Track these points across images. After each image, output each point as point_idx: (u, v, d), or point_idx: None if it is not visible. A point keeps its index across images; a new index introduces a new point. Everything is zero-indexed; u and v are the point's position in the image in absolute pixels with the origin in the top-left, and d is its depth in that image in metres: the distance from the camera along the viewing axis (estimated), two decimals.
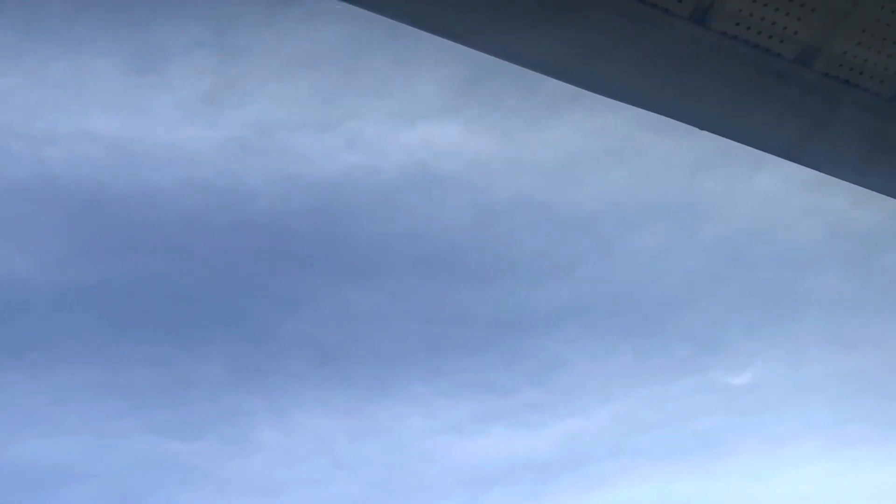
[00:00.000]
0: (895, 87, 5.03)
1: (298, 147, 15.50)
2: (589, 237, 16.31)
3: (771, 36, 4.71)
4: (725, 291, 16.35)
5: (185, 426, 16.48)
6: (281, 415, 16.73)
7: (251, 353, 16.70)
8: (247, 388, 16.62)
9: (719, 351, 16.71)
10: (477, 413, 16.95)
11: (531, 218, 16.13)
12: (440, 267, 16.74)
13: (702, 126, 5.24)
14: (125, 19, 14.35)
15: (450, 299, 16.85)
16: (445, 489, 16.88)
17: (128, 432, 16.32)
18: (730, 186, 15.18)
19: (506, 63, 4.89)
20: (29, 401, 16.14)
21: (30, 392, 16.10)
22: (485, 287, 16.87)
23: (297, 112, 15.22)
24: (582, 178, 15.73)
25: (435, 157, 15.50)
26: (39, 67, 14.57)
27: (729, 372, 16.61)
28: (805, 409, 16.32)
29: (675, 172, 15.29)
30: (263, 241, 16.30)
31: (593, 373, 16.77)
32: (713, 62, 4.79)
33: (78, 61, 14.55)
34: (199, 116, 15.12)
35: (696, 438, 16.63)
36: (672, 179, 15.38)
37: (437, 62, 14.32)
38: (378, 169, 15.59)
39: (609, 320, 16.77)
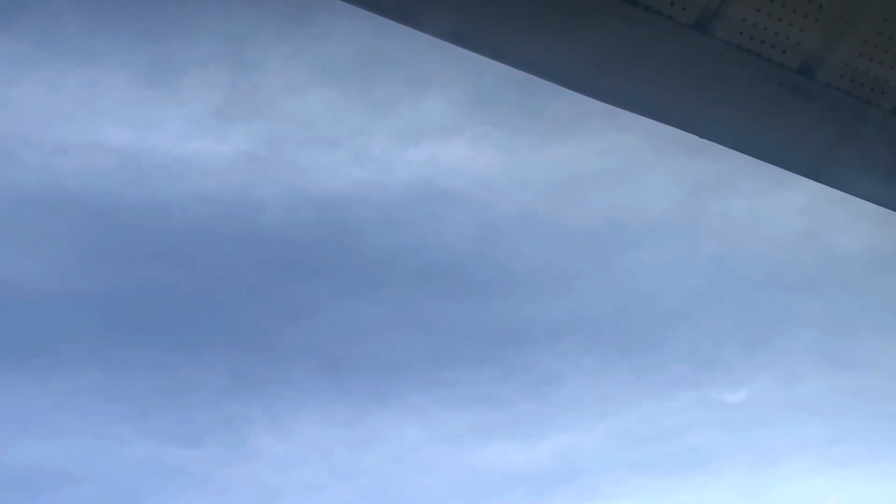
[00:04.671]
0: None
1: (307, 161, 15.65)
2: (589, 254, 16.45)
3: (774, 45, 4.81)
4: (723, 310, 16.48)
5: (185, 432, 16.57)
6: (280, 422, 16.82)
7: (252, 361, 16.80)
8: (247, 395, 16.72)
9: (716, 368, 16.82)
10: (474, 425, 17.05)
11: (533, 235, 16.26)
12: (442, 280, 16.87)
13: (701, 134, 5.27)
14: (140, 33, 14.51)
15: (450, 312, 16.97)
16: (441, 499, 16.97)
17: (128, 437, 16.41)
18: (729, 207, 15.32)
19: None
20: (32, 404, 16.24)
21: (33, 395, 16.21)
22: (485, 301, 16.99)
23: (306, 127, 15.39)
24: (584, 196, 15.88)
25: (440, 173, 15.66)
26: (54, 78, 14.73)
27: (725, 389, 16.72)
28: (799, 426, 16.42)
29: (675, 193, 15.43)
30: (269, 253, 16.43)
31: (590, 387, 16.87)
32: (715, 69, 4.86)
33: (92, 73, 14.70)
34: (210, 130, 15.28)
35: (691, 453, 16.72)
36: (672, 200, 15.53)
37: (446, 82, 14.49)
38: (384, 184, 15.75)
39: (607, 336, 16.88)
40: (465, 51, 4.82)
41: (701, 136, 5.31)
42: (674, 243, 16.05)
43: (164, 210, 15.79)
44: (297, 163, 15.66)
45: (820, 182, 5.61)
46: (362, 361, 16.90)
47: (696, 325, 16.69)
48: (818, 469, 16.44)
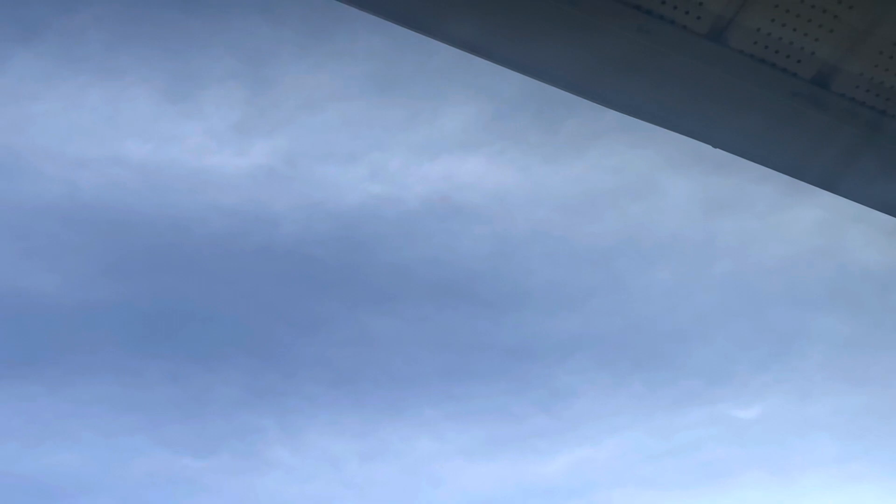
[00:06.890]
0: None
1: (323, 176, 15.73)
2: (603, 271, 16.46)
3: (788, 55, 4.78)
4: (736, 327, 16.45)
5: (198, 442, 16.61)
6: (293, 433, 16.85)
7: (266, 373, 16.85)
8: (260, 406, 16.76)
9: (728, 385, 16.79)
10: (486, 438, 17.04)
11: (547, 251, 16.29)
12: (456, 295, 16.89)
13: (714, 144, 5.27)
14: (161, 49, 14.63)
15: (464, 326, 16.99)
16: None
17: (142, 446, 16.45)
18: (743, 225, 15.31)
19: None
20: (47, 412, 16.30)
21: (48, 404, 16.27)
22: (499, 316, 17.01)
23: (323, 143, 15.46)
24: (599, 213, 15.91)
25: (456, 189, 15.71)
26: (75, 93, 14.84)
27: (737, 405, 16.68)
28: (813, 442, 16.36)
29: (689, 209, 15.44)
30: (285, 266, 16.50)
31: (602, 402, 16.85)
32: (728, 79, 4.83)
33: (113, 88, 14.82)
34: (229, 144, 15.38)
35: (704, 468, 16.68)
36: (687, 217, 15.53)
37: (462, 99, 14.56)
38: (400, 199, 15.81)
39: (620, 352, 16.88)
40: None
41: (714, 146, 5.30)
42: (688, 260, 16.04)
43: (182, 223, 15.89)
44: (314, 177, 15.75)
45: (835, 193, 5.57)
46: (376, 374, 16.94)
47: (709, 340, 16.68)
48: (832, 486, 16.38)
